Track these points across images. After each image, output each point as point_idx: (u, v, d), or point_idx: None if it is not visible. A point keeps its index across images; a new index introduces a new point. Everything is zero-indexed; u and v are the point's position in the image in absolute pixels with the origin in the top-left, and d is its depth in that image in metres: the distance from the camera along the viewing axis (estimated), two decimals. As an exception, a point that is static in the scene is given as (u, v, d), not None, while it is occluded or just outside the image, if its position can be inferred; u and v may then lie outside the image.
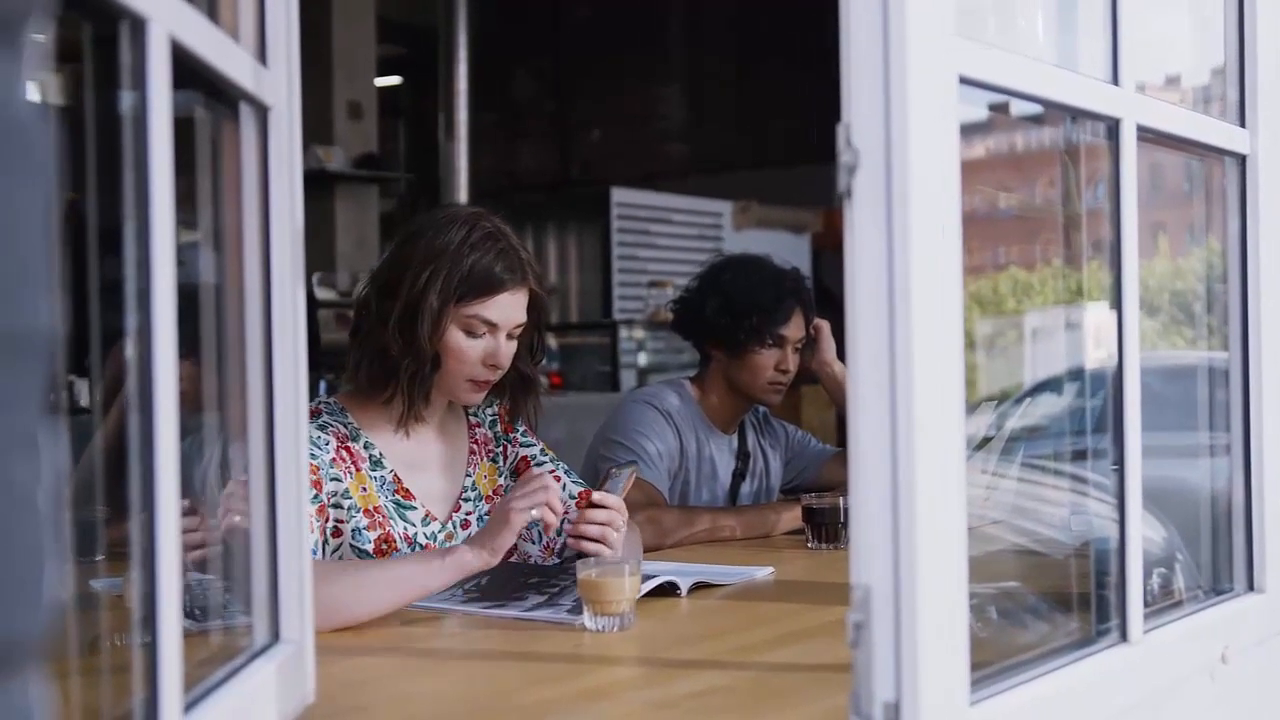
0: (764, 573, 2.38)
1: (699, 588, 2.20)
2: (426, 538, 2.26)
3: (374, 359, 2.23)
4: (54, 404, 0.61)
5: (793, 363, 3.06)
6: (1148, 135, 1.59)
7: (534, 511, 1.99)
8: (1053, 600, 1.72)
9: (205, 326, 1.37)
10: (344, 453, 2.20)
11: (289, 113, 1.40)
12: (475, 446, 2.41)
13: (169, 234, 1.04)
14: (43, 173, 0.59)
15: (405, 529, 2.23)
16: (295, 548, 1.41)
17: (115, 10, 0.98)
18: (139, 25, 1.01)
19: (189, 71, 1.13)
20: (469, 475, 2.38)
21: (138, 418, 1.02)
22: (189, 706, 1.11)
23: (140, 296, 1.02)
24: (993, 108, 1.50)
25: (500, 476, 2.42)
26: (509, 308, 2.23)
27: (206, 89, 1.27)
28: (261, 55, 1.37)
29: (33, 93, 0.60)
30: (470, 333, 2.21)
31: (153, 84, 1.02)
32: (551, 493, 2.02)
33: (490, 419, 2.46)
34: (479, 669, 1.75)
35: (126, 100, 1.03)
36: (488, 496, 2.38)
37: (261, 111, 1.37)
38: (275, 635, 1.39)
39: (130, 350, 1.04)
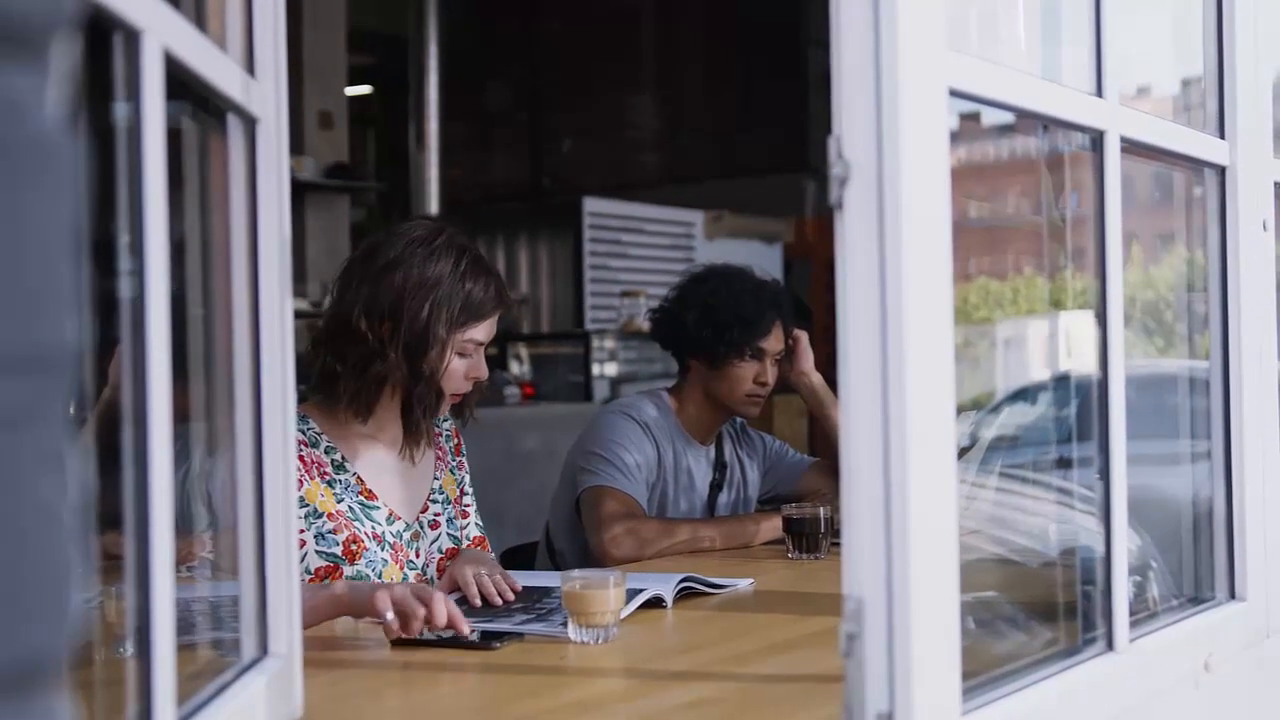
0: (745, 584, 2.38)
1: (685, 596, 2.21)
2: (394, 536, 2.32)
3: (375, 385, 2.28)
4: (74, 421, 0.61)
5: (771, 375, 3.06)
6: (1129, 147, 1.60)
7: (389, 615, 1.83)
8: (1037, 610, 1.73)
9: (191, 338, 1.37)
10: (299, 461, 2.22)
11: (277, 124, 1.40)
12: (440, 453, 2.49)
13: (162, 245, 1.03)
14: (68, 187, 0.59)
15: (372, 528, 2.29)
16: (283, 562, 1.40)
17: (109, 21, 0.98)
18: (133, 37, 1.00)
19: (178, 82, 1.13)
20: (436, 478, 2.46)
21: (131, 431, 1.01)
22: (180, 722, 1.11)
23: (134, 307, 1.02)
24: (964, 117, 1.50)
25: (457, 487, 2.51)
26: (493, 326, 2.36)
27: (194, 99, 1.27)
28: (250, 66, 1.36)
29: (57, 107, 0.60)
30: (462, 354, 2.32)
31: (146, 95, 1.02)
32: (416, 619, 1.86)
33: (446, 433, 2.54)
34: (465, 682, 1.74)
35: (119, 111, 1.03)
36: (454, 501, 2.48)
37: (250, 123, 1.36)
38: (264, 649, 1.38)
39: (110, 361, 1.04)
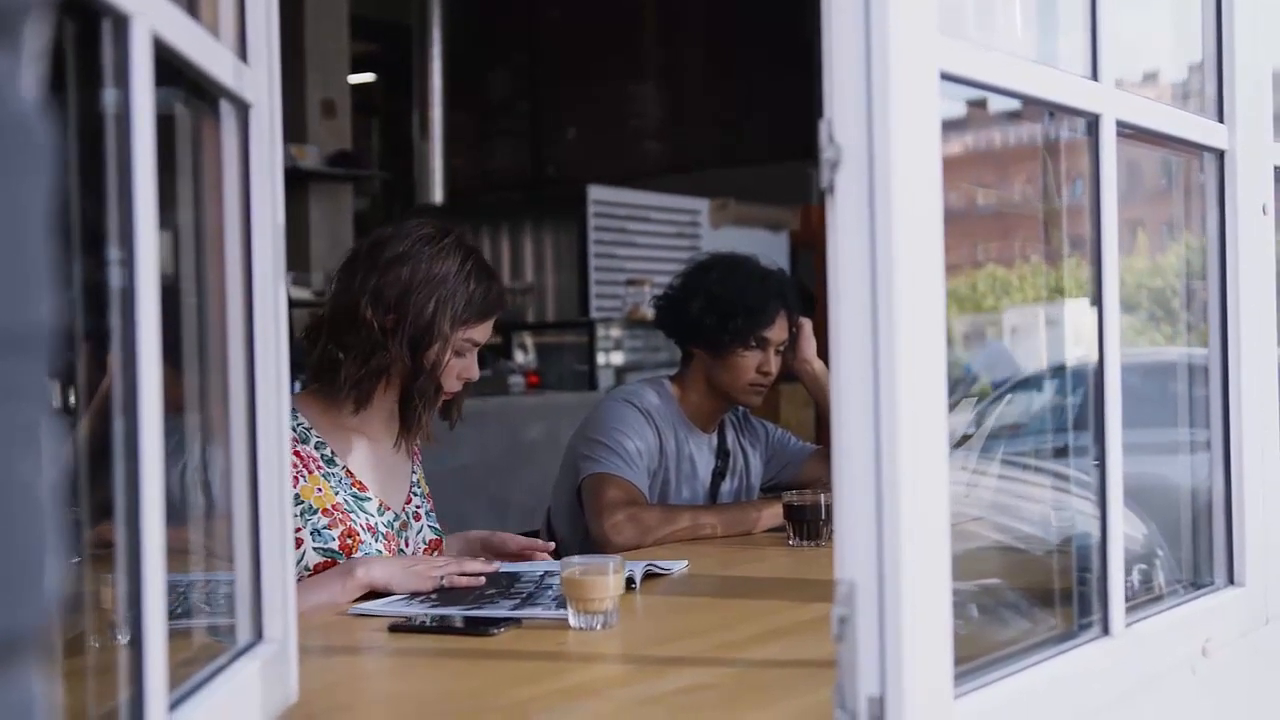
0: (681, 565, 2.41)
1: (684, 582, 2.22)
2: (386, 526, 2.36)
3: (375, 376, 2.31)
4: (52, 400, 0.62)
5: (774, 365, 3.06)
6: (1127, 131, 1.60)
7: (444, 581, 2.16)
8: (1035, 595, 1.73)
9: (185, 327, 1.37)
10: (294, 457, 2.24)
11: (270, 110, 1.40)
12: (416, 450, 2.53)
13: (152, 233, 1.03)
14: (42, 169, 0.59)
15: (366, 520, 2.33)
16: (278, 547, 1.40)
17: (98, 7, 0.98)
18: (121, 22, 1.00)
19: (169, 68, 1.13)
20: (414, 473, 2.51)
21: (122, 421, 1.01)
22: (173, 705, 1.11)
23: (123, 296, 1.02)
24: (971, 103, 1.50)
25: (426, 484, 2.56)
26: (490, 328, 2.41)
27: (186, 86, 1.27)
28: (242, 52, 1.36)
29: (32, 89, 0.60)
30: (459, 353, 2.35)
31: (136, 81, 1.02)
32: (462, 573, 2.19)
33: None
34: (462, 668, 1.74)
35: (108, 97, 1.03)
36: (428, 495, 2.53)
37: (243, 109, 1.36)
38: (258, 634, 1.39)
39: (107, 351, 1.04)
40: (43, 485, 0.59)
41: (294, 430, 2.30)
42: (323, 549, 2.24)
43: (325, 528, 2.26)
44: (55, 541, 0.60)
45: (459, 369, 2.36)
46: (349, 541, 2.27)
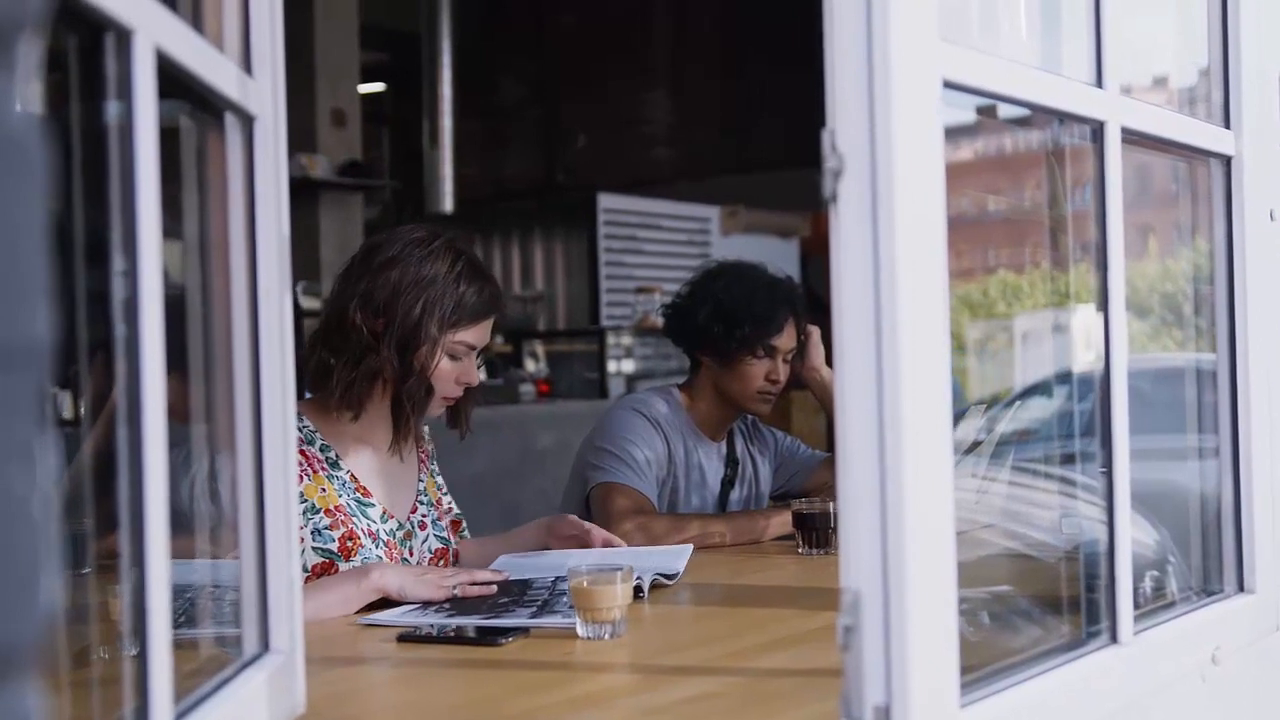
0: (685, 550, 2.45)
1: (656, 587, 2.24)
2: (388, 534, 2.36)
3: (367, 379, 2.32)
4: (47, 415, 0.62)
5: (783, 373, 3.05)
6: (1132, 137, 1.60)
7: (456, 590, 2.15)
8: (1044, 603, 1.73)
9: (191, 338, 1.37)
10: (299, 457, 2.25)
11: (275, 122, 1.40)
12: (423, 457, 2.54)
13: (155, 245, 1.04)
14: (37, 184, 0.60)
15: (368, 525, 2.33)
16: (284, 558, 1.40)
17: (101, 21, 0.98)
18: (124, 36, 1.01)
19: (173, 81, 1.13)
20: (420, 481, 2.50)
21: (126, 431, 1.02)
22: (179, 716, 1.11)
23: (127, 308, 1.02)
24: (980, 110, 1.50)
25: (438, 490, 2.56)
26: (487, 331, 2.40)
27: (191, 98, 1.27)
28: (246, 65, 1.37)
29: (27, 104, 0.60)
30: (453, 356, 2.35)
31: (139, 94, 1.02)
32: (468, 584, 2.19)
33: (426, 438, 2.60)
34: (470, 678, 1.74)
35: (111, 110, 1.03)
36: (436, 503, 2.52)
37: (247, 121, 1.36)
38: (265, 645, 1.39)
39: (116, 362, 1.04)
40: (37, 500, 0.59)
41: (300, 432, 2.30)
42: (322, 549, 2.25)
43: (326, 528, 2.26)
44: (50, 556, 0.60)
45: (456, 373, 2.36)
46: (349, 544, 2.27)
